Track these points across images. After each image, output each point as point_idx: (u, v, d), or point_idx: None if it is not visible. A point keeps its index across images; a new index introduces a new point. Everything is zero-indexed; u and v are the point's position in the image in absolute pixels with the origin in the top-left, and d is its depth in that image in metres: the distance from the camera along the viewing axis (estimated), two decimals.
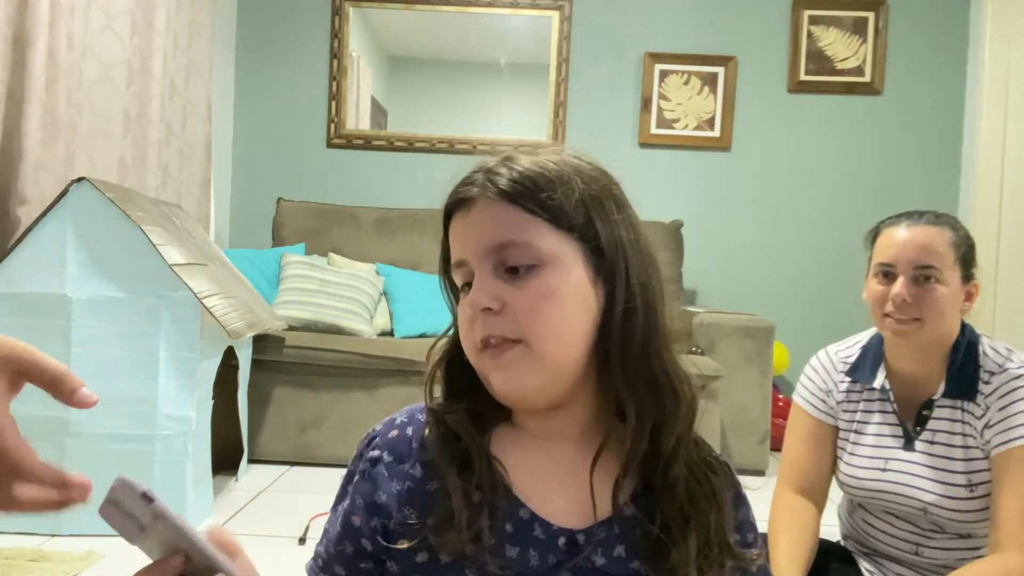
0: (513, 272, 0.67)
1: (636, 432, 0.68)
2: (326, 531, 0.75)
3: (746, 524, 0.76)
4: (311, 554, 0.77)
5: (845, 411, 1.39)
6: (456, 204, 0.70)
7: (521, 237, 0.67)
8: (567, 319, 0.67)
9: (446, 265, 0.73)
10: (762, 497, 2.66)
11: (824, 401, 1.41)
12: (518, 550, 0.67)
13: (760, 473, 2.93)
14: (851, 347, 1.42)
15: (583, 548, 0.68)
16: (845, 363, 1.41)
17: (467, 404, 0.72)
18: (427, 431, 0.72)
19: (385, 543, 0.69)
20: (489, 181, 0.68)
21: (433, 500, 0.68)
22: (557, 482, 0.71)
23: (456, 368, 0.74)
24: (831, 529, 1.47)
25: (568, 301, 0.67)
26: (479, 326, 0.67)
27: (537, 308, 0.66)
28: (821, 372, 1.43)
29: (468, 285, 0.69)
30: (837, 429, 1.41)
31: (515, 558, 0.67)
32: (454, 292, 0.74)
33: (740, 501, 0.76)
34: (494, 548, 0.66)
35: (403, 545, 0.67)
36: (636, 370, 0.68)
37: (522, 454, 0.71)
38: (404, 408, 0.76)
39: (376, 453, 0.72)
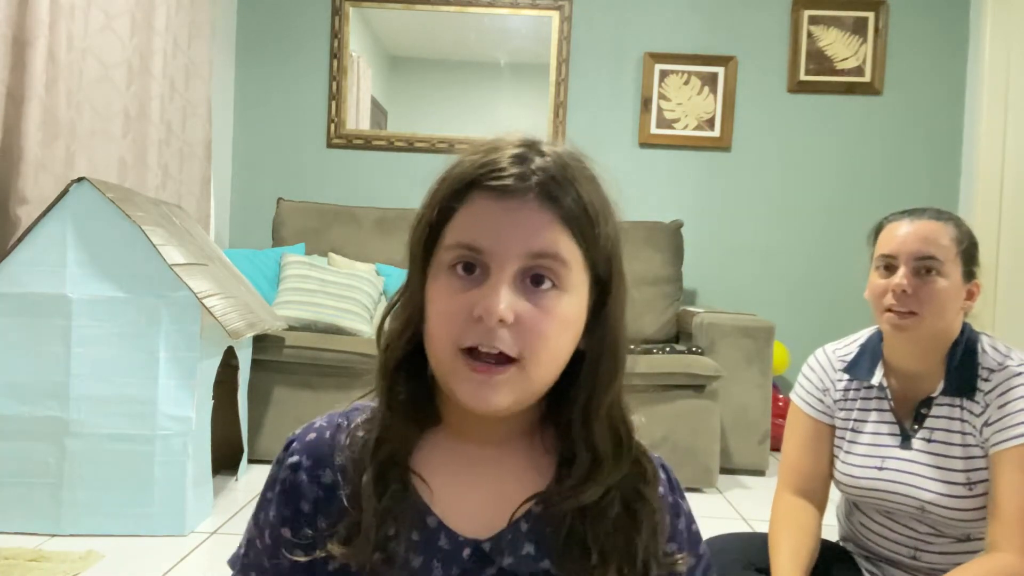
0: (535, 284, 0.63)
1: (577, 472, 0.67)
2: (251, 542, 0.73)
3: (682, 534, 0.73)
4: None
5: (842, 409, 1.39)
6: (494, 186, 0.64)
7: (563, 255, 0.63)
8: (565, 350, 0.66)
9: (431, 233, 0.66)
10: (761, 497, 2.68)
11: (821, 400, 1.41)
12: (422, 559, 0.66)
13: (760, 473, 2.93)
14: (849, 345, 1.42)
15: (490, 556, 0.66)
16: (843, 361, 1.41)
17: (400, 407, 0.68)
18: (348, 436, 0.69)
19: (309, 552, 0.67)
20: (546, 184, 0.64)
21: (343, 507, 0.66)
22: (474, 489, 0.69)
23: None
24: (831, 530, 1.47)
25: (572, 333, 0.66)
26: (475, 332, 0.62)
27: (548, 333, 0.63)
28: (818, 371, 1.43)
29: (466, 268, 0.63)
30: (835, 429, 1.40)
31: (419, 568, 0.66)
32: (422, 265, 0.67)
33: (676, 510, 0.73)
34: (399, 558, 0.65)
35: (319, 554, 0.66)
36: (594, 413, 0.67)
37: (443, 460, 0.70)
38: (326, 413, 0.74)
39: (295, 459, 0.70)
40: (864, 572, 1.39)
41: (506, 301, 0.61)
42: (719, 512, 2.41)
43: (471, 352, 0.62)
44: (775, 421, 3.12)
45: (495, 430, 0.70)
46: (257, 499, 0.74)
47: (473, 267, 0.63)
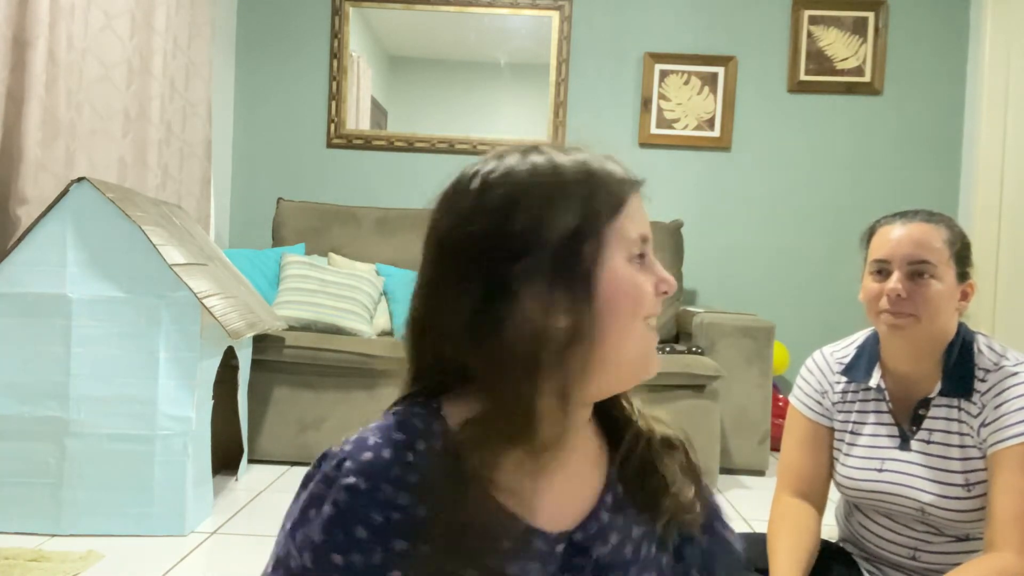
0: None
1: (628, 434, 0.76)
2: (284, 564, 0.68)
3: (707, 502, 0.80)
4: None
5: (841, 412, 1.39)
6: (637, 183, 0.75)
7: None
8: None
9: (593, 223, 0.70)
10: (761, 497, 2.67)
11: (820, 403, 1.40)
12: (517, 565, 0.66)
13: (760, 473, 2.93)
14: (846, 347, 1.42)
15: (583, 545, 0.69)
16: (840, 363, 1.40)
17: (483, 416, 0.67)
18: (413, 452, 0.67)
19: None
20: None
21: (423, 526, 0.65)
22: (552, 482, 0.70)
23: None
24: (830, 530, 1.47)
25: None
26: (657, 302, 0.73)
27: None
28: (816, 373, 1.42)
29: (640, 257, 0.72)
30: (833, 431, 1.40)
31: (516, 575, 0.66)
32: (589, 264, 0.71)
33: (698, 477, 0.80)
34: (492, 569, 0.65)
35: None
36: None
37: (517, 460, 0.68)
38: (372, 426, 0.70)
39: (351, 481, 0.66)
40: (864, 572, 1.39)
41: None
42: None
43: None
44: (775, 421, 3.12)
45: (580, 420, 0.74)
46: (291, 513, 0.70)
47: (642, 256, 0.73)
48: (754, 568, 1.32)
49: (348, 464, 0.67)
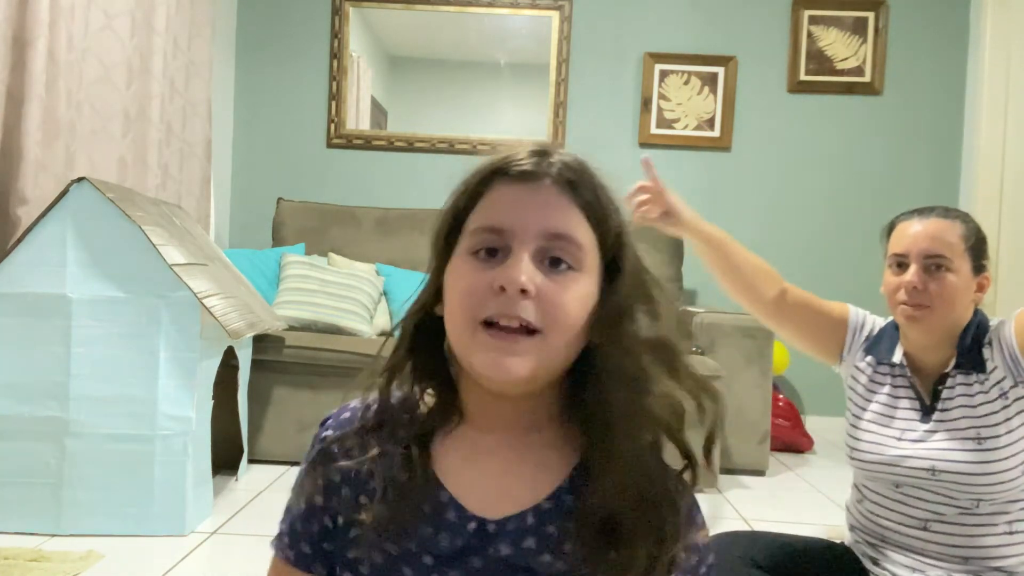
0: (552, 266, 0.67)
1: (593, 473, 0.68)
2: (289, 509, 0.79)
3: (691, 548, 0.71)
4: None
5: (867, 387, 1.45)
6: (515, 172, 0.68)
7: (578, 238, 0.68)
8: (580, 323, 0.68)
9: (454, 223, 0.70)
10: (761, 497, 2.67)
11: (862, 327, 1.48)
12: (431, 530, 0.69)
13: (760, 473, 2.93)
14: (875, 329, 1.50)
15: (493, 536, 0.69)
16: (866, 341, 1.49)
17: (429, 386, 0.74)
18: (362, 413, 0.75)
19: (333, 522, 0.74)
20: (563, 172, 0.69)
21: (366, 478, 0.72)
22: (489, 473, 0.72)
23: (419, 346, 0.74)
24: (829, 530, 1.47)
25: (585, 311, 0.68)
26: (496, 303, 0.65)
27: (567, 307, 0.66)
28: (875, 323, 1.50)
29: (488, 252, 0.67)
30: (841, 342, 1.49)
31: (427, 538, 0.69)
32: (444, 255, 0.71)
33: (691, 523, 0.71)
34: (409, 525, 0.69)
35: (339, 521, 0.73)
36: (613, 411, 0.68)
37: (464, 447, 0.73)
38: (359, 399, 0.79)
39: (329, 434, 0.76)
40: (866, 563, 1.40)
41: (527, 272, 0.65)
42: (719, 512, 2.41)
43: (490, 326, 0.66)
44: (775, 421, 3.12)
45: (514, 417, 0.72)
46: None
47: (495, 252, 0.67)
48: (755, 565, 1.33)
49: (330, 421, 0.78)
